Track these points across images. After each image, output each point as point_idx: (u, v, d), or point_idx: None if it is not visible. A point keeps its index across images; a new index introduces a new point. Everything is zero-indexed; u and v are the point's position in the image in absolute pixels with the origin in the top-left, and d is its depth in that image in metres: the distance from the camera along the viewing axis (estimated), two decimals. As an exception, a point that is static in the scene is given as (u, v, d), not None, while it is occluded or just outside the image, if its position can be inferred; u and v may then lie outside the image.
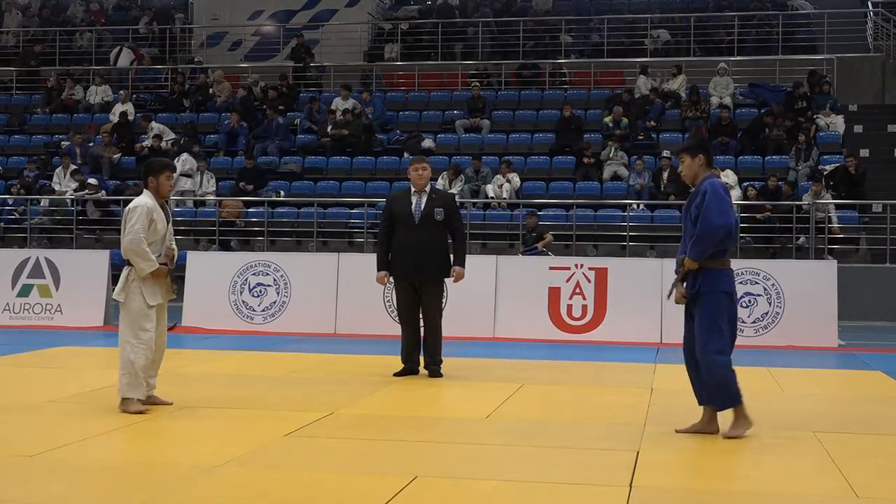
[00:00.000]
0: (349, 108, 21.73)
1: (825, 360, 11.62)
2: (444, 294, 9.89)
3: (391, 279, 9.41)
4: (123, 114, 22.41)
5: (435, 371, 9.36)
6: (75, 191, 19.63)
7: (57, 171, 20.31)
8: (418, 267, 9.22)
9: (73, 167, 20.11)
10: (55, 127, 23.38)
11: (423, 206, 9.26)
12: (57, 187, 19.99)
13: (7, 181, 20.89)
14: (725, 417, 6.82)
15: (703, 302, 6.72)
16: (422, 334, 9.45)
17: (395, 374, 9.36)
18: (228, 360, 10.75)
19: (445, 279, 9.48)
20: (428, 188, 9.38)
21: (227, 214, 18.99)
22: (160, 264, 7.42)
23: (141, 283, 7.36)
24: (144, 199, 7.51)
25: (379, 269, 9.35)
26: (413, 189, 9.34)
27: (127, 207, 7.57)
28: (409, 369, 9.39)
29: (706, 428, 6.81)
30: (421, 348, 9.43)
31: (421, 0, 27.27)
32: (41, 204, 19.90)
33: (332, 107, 21.95)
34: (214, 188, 19.78)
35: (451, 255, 9.47)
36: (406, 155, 20.70)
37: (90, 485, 5.47)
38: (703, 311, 6.72)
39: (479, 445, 6.56)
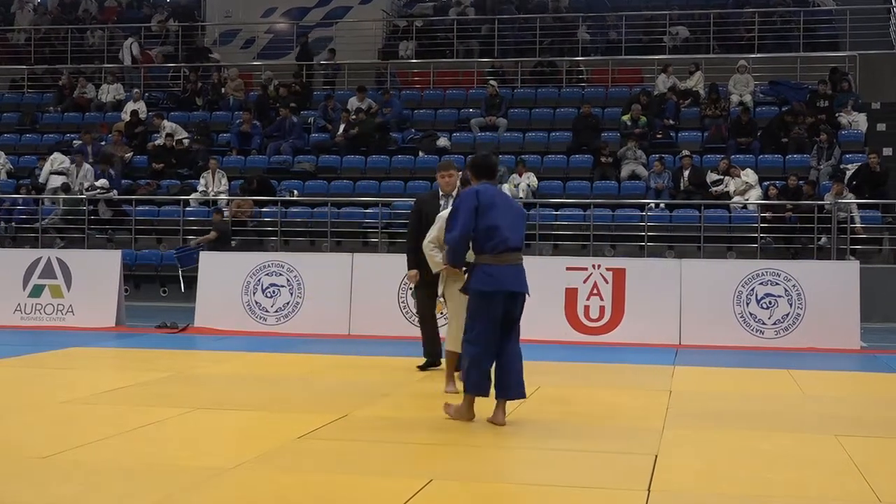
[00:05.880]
0: (363, 107, 21.62)
1: (847, 362, 11.46)
2: None
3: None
4: (135, 112, 22.36)
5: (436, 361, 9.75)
6: (89, 188, 19.56)
7: (69, 169, 20.23)
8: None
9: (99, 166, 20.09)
10: (67, 126, 23.34)
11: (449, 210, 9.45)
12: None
13: (19, 180, 20.86)
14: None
15: (469, 297, 7.18)
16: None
17: (419, 368, 9.73)
18: (241, 362, 10.68)
19: None
20: (455, 192, 9.60)
21: (239, 215, 18.89)
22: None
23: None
24: None
25: (409, 268, 9.68)
26: (441, 192, 9.65)
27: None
28: (432, 362, 9.75)
29: (465, 415, 7.16)
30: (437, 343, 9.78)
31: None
32: (53, 203, 19.89)
33: (348, 106, 21.85)
34: (226, 188, 19.66)
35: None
36: (421, 154, 20.61)
37: (103, 486, 5.42)
38: (468, 304, 7.17)
39: (496, 448, 6.50)
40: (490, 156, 7.61)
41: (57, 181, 20.03)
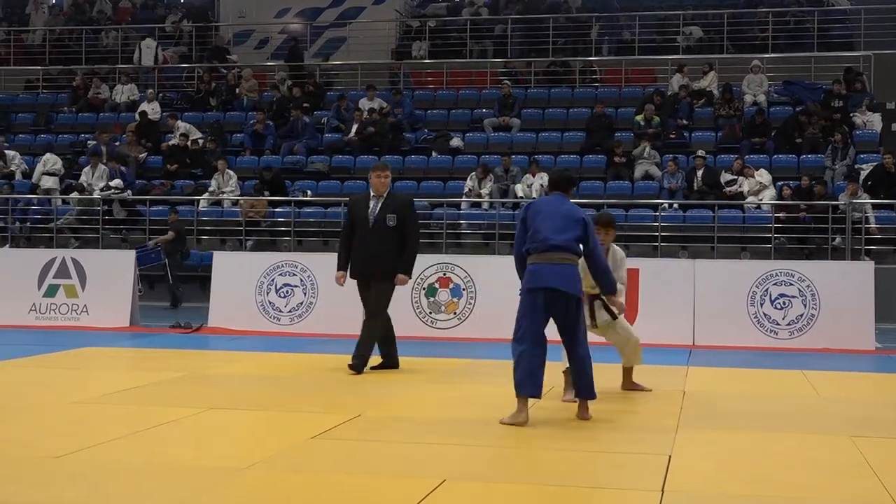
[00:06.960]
0: (375, 108, 21.61)
1: (861, 363, 11.40)
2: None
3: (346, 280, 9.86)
4: (143, 113, 22.36)
5: (392, 362, 9.83)
6: (103, 188, 19.61)
7: (85, 170, 20.30)
8: (368, 269, 9.64)
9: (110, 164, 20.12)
10: (81, 126, 23.39)
11: (377, 211, 9.66)
12: (85, 185, 20.00)
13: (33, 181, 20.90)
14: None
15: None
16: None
17: (372, 367, 9.71)
18: (254, 362, 10.68)
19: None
20: (385, 193, 9.74)
21: (252, 215, 18.89)
22: None
23: None
24: None
25: (338, 269, 9.78)
26: (372, 193, 9.75)
27: (620, 253, 8.30)
28: (388, 364, 9.86)
29: (516, 419, 7.09)
30: (388, 342, 9.91)
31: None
32: (69, 203, 19.93)
33: (360, 106, 21.86)
34: (235, 188, 19.64)
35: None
36: (434, 154, 20.59)
37: (115, 487, 5.40)
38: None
39: (509, 448, 6.46)
40: (565, 170, 7.99)
41: (49, 182, 20.13)
